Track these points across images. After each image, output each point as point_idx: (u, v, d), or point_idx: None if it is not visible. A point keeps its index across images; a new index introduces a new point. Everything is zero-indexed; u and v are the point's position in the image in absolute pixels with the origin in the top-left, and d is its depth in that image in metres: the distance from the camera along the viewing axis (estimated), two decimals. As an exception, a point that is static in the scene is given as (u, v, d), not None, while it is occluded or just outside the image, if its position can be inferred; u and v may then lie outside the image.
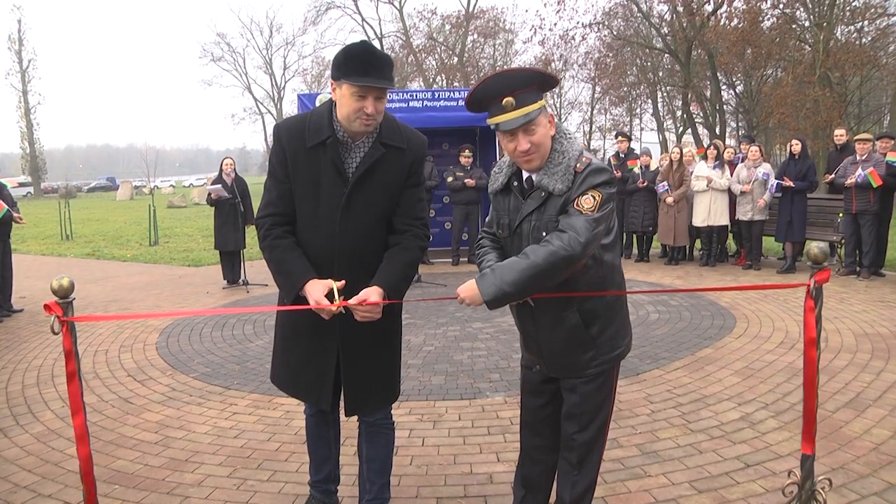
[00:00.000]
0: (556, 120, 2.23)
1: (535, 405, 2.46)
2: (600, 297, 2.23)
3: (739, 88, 25.74)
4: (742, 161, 8.99)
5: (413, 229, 2.46)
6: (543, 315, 2.27)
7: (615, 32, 25.83)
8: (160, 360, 5.44)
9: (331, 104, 2.37)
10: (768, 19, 19.53)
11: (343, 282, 2.31)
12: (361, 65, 2.20)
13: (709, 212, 8.89)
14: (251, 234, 12.90)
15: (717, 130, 23.52)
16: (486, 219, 2.48)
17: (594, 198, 2.09)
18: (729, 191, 8.85)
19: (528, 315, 2.32)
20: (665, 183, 9.21)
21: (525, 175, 2.23)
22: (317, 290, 2.28)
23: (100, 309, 7.55)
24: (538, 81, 2.11)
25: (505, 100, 2.07)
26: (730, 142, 30.36)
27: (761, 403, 4.00)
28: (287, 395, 2.67)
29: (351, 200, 2.35)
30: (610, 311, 2.28)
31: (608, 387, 2.32)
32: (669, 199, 9.12)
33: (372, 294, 2.31)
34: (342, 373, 2.50)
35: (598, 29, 25.42)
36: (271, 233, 2.38)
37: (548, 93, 2.26)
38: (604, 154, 38.93)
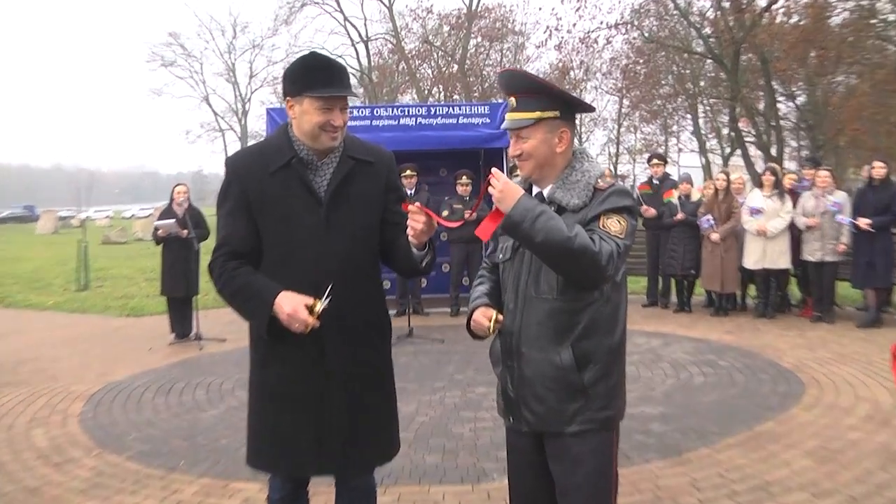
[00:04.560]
0: (575, 141, 2.46)
1: (526, 487, 2.50)
2: (600, 338, 2.35)
3: (801, 100, 25.83)
4: (807, 188, 9.03)
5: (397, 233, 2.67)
6: (530, 349, 2.38)
7: (646, 34, 25.92)
8: (84, 435, 5.35)
9: (286, 128, 2.62)
10: (838, 14, 18.91)
11: (327, 301, 2.46)
12: (324, 75, 2.48)
13: (764, 251, 8.91)
14: (206, 277, 12.89)
15: (774, 151, 23.51)
16: (489, 249, 2.69)
17: (620, 223, 2.31)
18: (791, 225, 8.86)
19: (511, 348, 2.43)
20: (709, 216, 9.26)
21: (535, 190, 2.48)
22: (291, 301, 2.41)
23: (7, 372, 7.47)
24: (533, 90, 2.38)
25: (510, 99, 2.41)
26: (789, 165, 30.48)
27: (846, 496, 3.91)
28: (278, 475, 2.68)
29: (330, 221, 2.55)
30: (609, 358, 2.36)
31: (606, 455, 2.38)
32: (715, 236, 9.16)
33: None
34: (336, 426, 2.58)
35: (626, 30, 25.45)
36: (228, 266, 2.55)
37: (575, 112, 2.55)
38: (633, 180, 39.19)
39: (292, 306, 2.39)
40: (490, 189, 2.25)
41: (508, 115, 2.42)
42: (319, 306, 2.41)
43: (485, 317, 2.44)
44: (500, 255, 2.53)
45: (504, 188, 2.23)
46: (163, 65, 46.52)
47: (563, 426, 2.35)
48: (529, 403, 2.39)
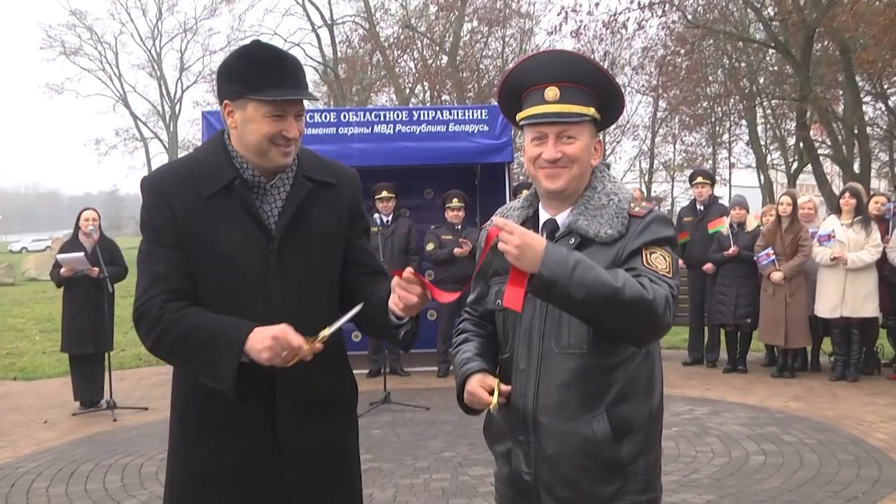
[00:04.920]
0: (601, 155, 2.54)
1: None
2: (639, 402, 2.40)
3: (894, 100, 25.88)
4: None
5: (382, 276, 2.71)
6: (553, 419, 2.38)
7: (689, 17, 26.03)
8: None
9: (221, 138, 2.62)
10: None
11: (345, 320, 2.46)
12: (273, 73, 2.48)
13: (844, 295, 8.98)
14: (122, 328, 12.64)
15: (857, 167, 23.51)
16: (472, 295, 2.73)
17: (665, 258, 2.36)
18: (882, 262, 8.96)
19: (525, 419, 2.43)
20: (770, 250, 9.35)
21: (544, 218, 2.52)
22: (272, 328, 2.34)
23: None
24: (596, 81, 2.45)
25: (548, 89, 2.41)
26: (878, 186, 30.35)
27: None
28: None
29: (282, 260, 2.54)
30: (650, 427, 2.43)
31: None
32: (777, 276, 9.26)
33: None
34: None
35: (664, 11, 25.35)
36: (167, 307, 2.46)
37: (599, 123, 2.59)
38: (672, 204, 39.23)
39: (280, 328, 2.33)
40: (501, 246, 2.20)
41: (543, 108, 2.42)
42: (327, 331, 2.40)
43: (483, 387, 2.43)
44: (498, 301, 2.52)
45: (522, 241, 2.17)
46: (63, 53, 46.76)
47: None
48: (554, 489, 2.38)
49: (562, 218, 2.47)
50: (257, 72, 2.45)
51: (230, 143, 2.57)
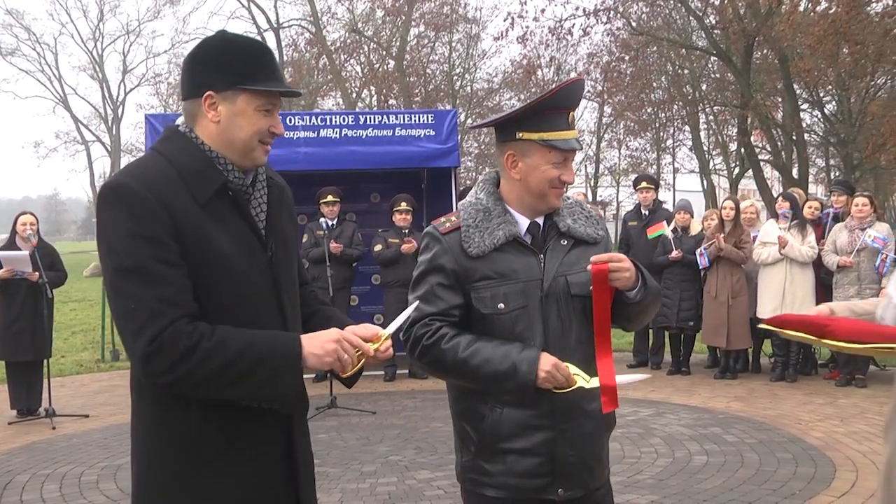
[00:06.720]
0: None
1: None
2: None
3: (830, 108, 26.37)
4: (839, 218, 9.34)
5: (317, 292, 2.77)
6: (588, 402, 2.64)
7: (634, 24, 26.27)
8: None
9: (185, 137, 2.33)
10: (878, 1, 19.31)
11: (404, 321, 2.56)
12: (265, 64, 2.34)
13: (783, 296, 9.14)
14: (62, 334, 12.49)
15: (795, 173, 23.91)
16: (443, 304, 2.65)
17: None
18: (817, 264, 9.14)
19: (567, 407, 2.62)
20: (702, 249, 9.47)
21: (523, 221, 2.68)
22: (327, 333, 2.27)
23: None
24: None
25: (570, 114, 2.66)
26: (816, 190, 31.06)
27: None
28: None
29: (278, 268, 2.40)
30: None
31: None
32: (719, 244, 9.24)
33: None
34: None
35: (609, 18, 25.41)
36: (199, 332, 2.17)
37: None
38: (617, 209, 39.77)
39: (335, 331, 2.27)
40: (618, 275, 2.50)
41: (572, 134, 2.64)
42: (388, 331, 2.36)
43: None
44: (500, 305, 2.62)
45: (629, 264, 2.54)
46: (-1, 53, 45.92)
47: (605, 475, 2.79)
48: (588, 461, 2.70)
49: (541, 221, 2.71)
50: (251, 61, 2.28)
51: (203, 142, 2.30)
